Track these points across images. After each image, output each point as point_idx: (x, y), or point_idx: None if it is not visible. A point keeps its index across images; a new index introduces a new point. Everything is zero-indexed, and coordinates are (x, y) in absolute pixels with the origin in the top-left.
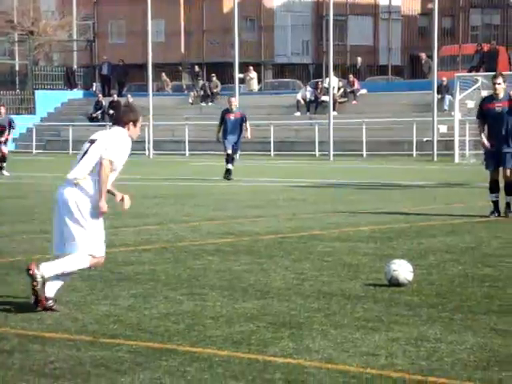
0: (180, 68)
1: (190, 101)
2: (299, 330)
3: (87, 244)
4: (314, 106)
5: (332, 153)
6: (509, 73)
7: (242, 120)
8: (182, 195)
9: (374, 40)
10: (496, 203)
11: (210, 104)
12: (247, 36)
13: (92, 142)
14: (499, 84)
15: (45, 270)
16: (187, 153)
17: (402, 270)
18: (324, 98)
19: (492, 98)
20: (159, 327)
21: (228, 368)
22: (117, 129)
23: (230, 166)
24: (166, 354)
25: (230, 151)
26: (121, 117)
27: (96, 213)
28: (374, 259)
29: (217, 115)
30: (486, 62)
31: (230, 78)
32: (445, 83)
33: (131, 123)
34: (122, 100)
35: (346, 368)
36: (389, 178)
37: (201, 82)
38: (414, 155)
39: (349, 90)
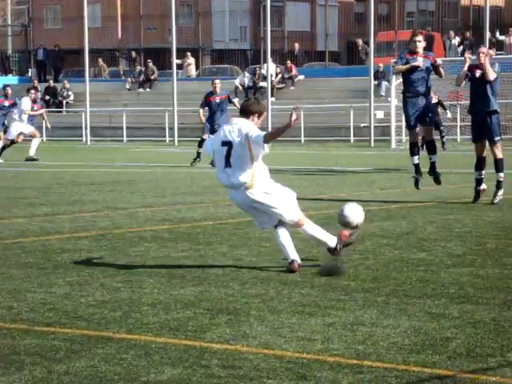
0: (117, 54)
1: (128, 87)
2: (236, 316)
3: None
4: (253, 91)
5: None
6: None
7: (228, 100)
8: (119, 182)
9: (311, 26)
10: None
11: (147, 90)
12: (185, 21)
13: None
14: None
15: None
16: (125, 139)
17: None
18: (262, 83)
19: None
20: (95, 315)
21: (165, 355)
22: (242, 120)
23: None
24: (102, 341)
25: (206, 137)
26: (248, 108)
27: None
28: (310, 245)
29: (154, 101)
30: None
31: (167, 63)
32: (381, 69)
33: (256, 115)
34: (58, 86)
35: (283, 353)
36: (326, 163)
37: (138, 68)
38: (352, 141)
39: (287, 76)
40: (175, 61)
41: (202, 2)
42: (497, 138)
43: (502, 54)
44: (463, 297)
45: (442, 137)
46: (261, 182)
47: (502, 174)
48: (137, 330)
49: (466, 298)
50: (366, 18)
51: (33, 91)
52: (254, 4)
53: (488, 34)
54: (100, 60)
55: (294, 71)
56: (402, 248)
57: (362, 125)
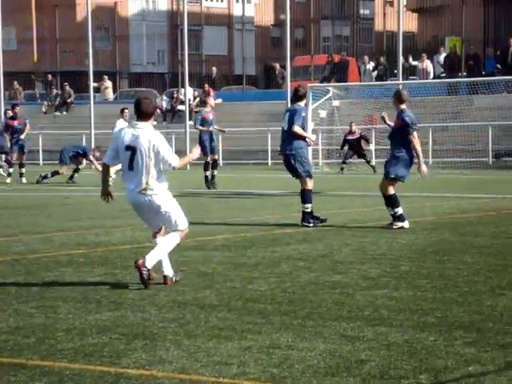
0: (33, 76)
1: (44, 110)
2: (153, 341)
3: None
4: (171, 115)
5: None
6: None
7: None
8: (34, 206)
9: (228, 50)
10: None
11: (64, 113)
12: (102, 45)
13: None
14: None
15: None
16: (41, 162)
17: None
18: (180, 107)
19: None
20: (8, 341)
21: (79, 381)
22: (147, 126)
23: (215, 172)
24: (15, 368)
25: (209, 158)
26: (149, 111)
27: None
28: (228, 268)
29: (71, 124)
30: (337, 72)
31: (84, 87)
32: None
33: (153, 116)
34: None
35: (199, 378)
36: (244, 186)
37: (54, 91)
38: (269, 164)
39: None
40: (92, 84)
41: (120, 25)
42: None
43: (414, 79)
44: (377, 319)
45: (368, 161)
46: (160, 187)
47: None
48: (51, 356)
49: (381, 320)
50: (283, 42)
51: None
52: (171, 28)
53: (401, 60)
54: (15, 83)
55: (212, 94)
56: (318, 271)
57: (279, 148)
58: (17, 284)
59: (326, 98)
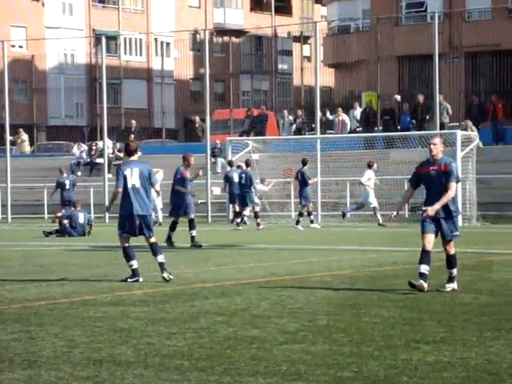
0: None
1: None
2: None
3: None
4: (89, 167)
5: (108, 216)
6: (277, 137)
7: None
8: None
9: (148, 103)
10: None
11: None
12: (19, 98)
13: None
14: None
15: None
16: None
17: None
18: (99, 160)
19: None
20: None
21: None
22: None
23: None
24: None
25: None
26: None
27: None
28: (145, 323)
29: None
30: (256, 126)
31: (1, 140)
32: (218, 146)
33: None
34: None
35: None
36: (161, 240)
37: None
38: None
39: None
40: (8, 137)
41: (37, 78)
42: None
43: (331, 133)
44: (294, 374)
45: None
46: None
47: None
48: None
49: (297, 376)
50: (202, 96)
51: None
52: (90, 81)
53: (319, 114)
54: None
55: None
56: (237, 325)
57: (200, 201)
58: None
59: (245, 151)
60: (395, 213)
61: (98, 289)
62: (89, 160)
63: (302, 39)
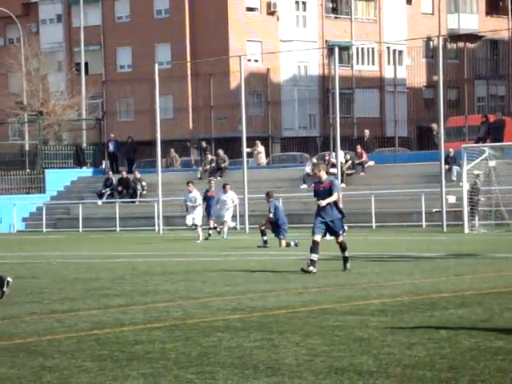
0: (188, 144)
1: (199, 175)
2: None
3: None
4: None
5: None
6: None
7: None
8: (191, 271)
9: (380, 112)
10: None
11: (218, 178)
12: (254, 111)
13: None
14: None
15: None
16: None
17: None
18: (332, 170)
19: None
20: None
21: None
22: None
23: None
24: None
25: None
26: None
27: None
28: (385, 332)
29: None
30: (492, 132)
31: (238, 152)
32: (452, 154)
33: None
34: (131, 176)
35: None
36: (398, 249)
37: (209, 157)
38: (424, 226)
39: (357, 162)
40: (245, 150)
41: (272, 91)
42: None
43: None
44: None
45: None
46: None
47: None
48: None
49: None
50: (436, 104)
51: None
52: (322, 92)
53: None
54: (172, 150)
55: (365, 157)
56: (479, 336)
57: (434, 210)
58: (176, 350)
59: (481, 158)
60: None
61: (335, 298)
62: None
63: None
